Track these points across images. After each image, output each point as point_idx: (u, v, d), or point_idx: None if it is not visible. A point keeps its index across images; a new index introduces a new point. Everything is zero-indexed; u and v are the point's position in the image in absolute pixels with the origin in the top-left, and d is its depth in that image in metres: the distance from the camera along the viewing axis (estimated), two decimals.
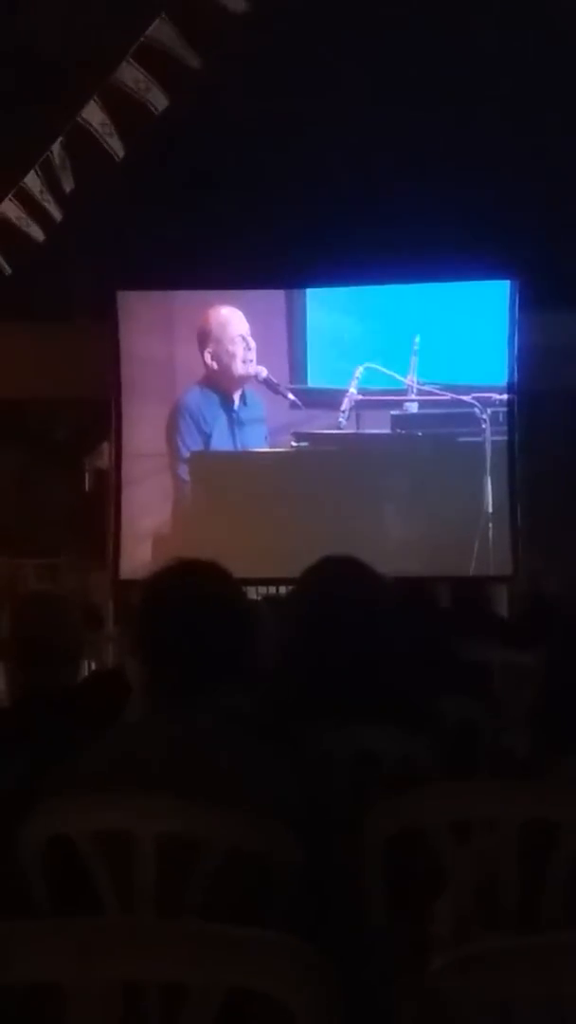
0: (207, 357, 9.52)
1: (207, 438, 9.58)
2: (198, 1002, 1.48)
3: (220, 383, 9.53)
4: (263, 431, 9.57)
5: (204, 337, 9.55)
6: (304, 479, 9.53)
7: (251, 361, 9.42)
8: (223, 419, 9.53)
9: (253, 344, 9.43)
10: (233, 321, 9.50)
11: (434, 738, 2.82)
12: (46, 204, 8.17)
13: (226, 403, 9.53)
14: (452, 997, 1.40)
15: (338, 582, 2.96)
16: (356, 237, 9.58)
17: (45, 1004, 1.50)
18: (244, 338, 9.43)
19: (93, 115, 7.90)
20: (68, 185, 8.05)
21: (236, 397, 9.51)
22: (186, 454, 9.59)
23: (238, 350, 9.44)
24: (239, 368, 9.44)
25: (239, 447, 9.58)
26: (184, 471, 9.64)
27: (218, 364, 9.49)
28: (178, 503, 9.75)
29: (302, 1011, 1.45)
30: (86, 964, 1.48)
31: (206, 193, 9.93)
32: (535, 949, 1.48)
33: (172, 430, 9.63)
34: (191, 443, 9.59)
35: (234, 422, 9.53)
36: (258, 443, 9.61)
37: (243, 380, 9.47)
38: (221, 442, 9.59)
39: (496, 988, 1.41)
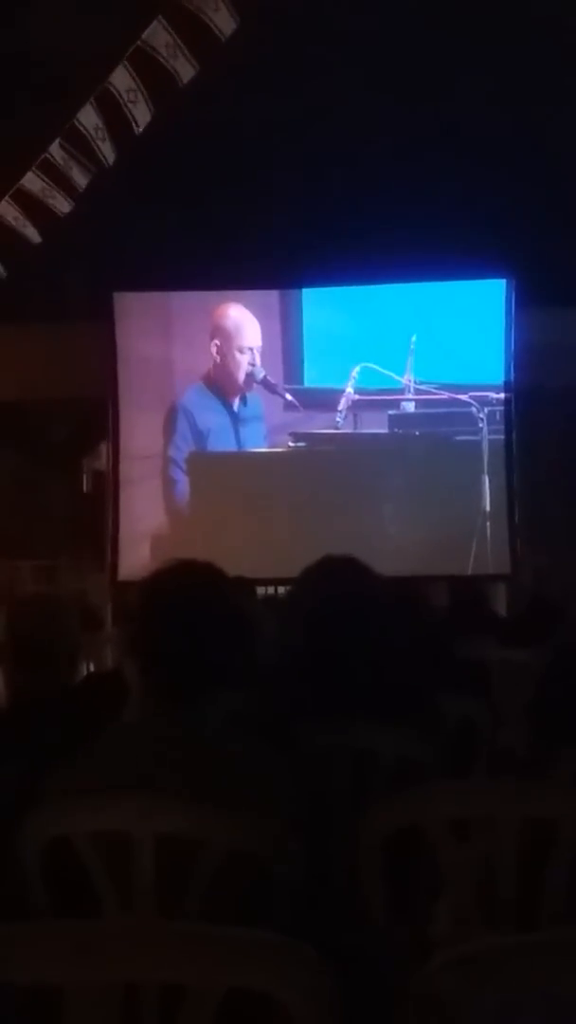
0: (213, 350, 9.53)
1: (203, 439, 9.58)
2: (196, 1003, 1.47)
3: (221, 383, 9.54)
4: (263, 429, 9.57)
5: (216, 332, 9.56)
6: (302, 479, 9.54)
7: (255, 369, 9.43)
8: (224, 418, 9.54)
9: (259, 358, 9.45)
10: (247, 329, 9.51)
11: (433, 737, 2.82)
12: (44, 205, 8.16)
13: (226, 403, 9.54)
14: (450, 996, 1.40)
15: (337, 582, 2.96)
16: (352, 237, 9.57)
17: (44, 1005, 1.50)
18: (253, 351, 9.45)
19: (88, 119, 7.89)
20: (66, 187, 8.05)
21: (236, 399, 9.53)
22: (182, 455, 9.59)
23: (243, 360, 9.46)
24: (240, 376, 9.47)
25: (240, 446, 9.58)
26: (181, 472, 9.64)
27: (221, 362, 9.51)
28: (176, 504, 9.75)
29: (300, 1012, 1.44)
30: (85, 965, 1.48)
31: (202, 194, 9.93)
32: (533, 947, 1.48)
33: (168, 429, 9.63)
34: (186, 445, 9.59)
35: (235, 419, 9.54)
36: (258, 441, 9.61)
37: (241, 387, 9.49)
38: (221, 442, 9.59)
39: (494, 986, 1.40)
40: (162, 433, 9.67)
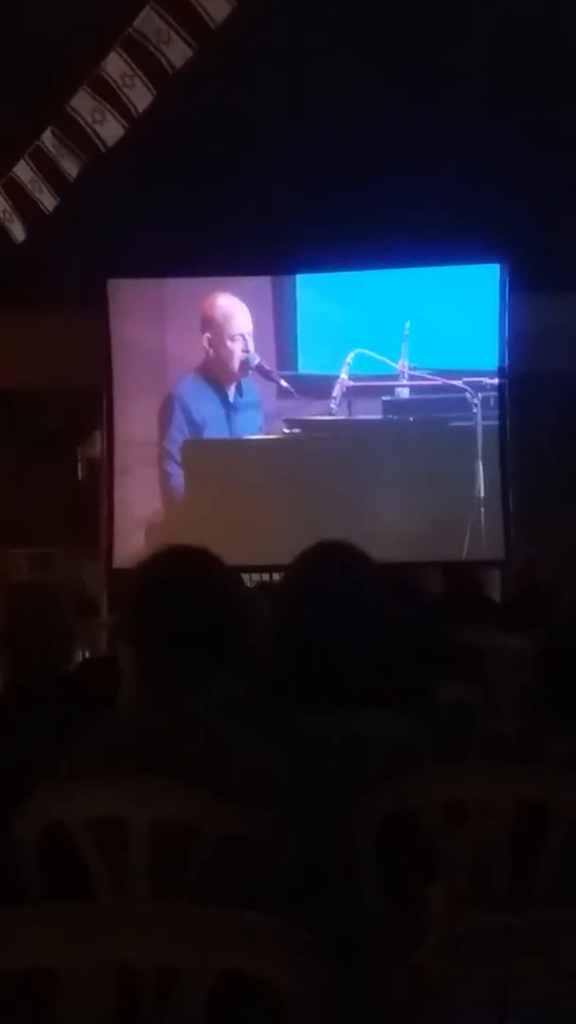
0: (204, 342, 9.53)
1: (198, 429, 9.58)
2: (189, 985, 1.48)
3: (215, 373, 9.53)
4: (258, 417, 9.56)
5: (206, 323, 9.55)
6: (296, 466, 9.53)
7: (248, 356, 9.42)
8: (218, 407, 9.53)
9: (251, 343, 9.43)
10: (236, 317, 9.50)
11: (427, 722, 2.82)
12: (40, 189, 8.13)
13: (221, 392, 9.53)
14: (444, 976, 1.40)
15: (331, 567, 2.96)
16: (345, 222, 9.55)
17: (38, 988, 1.51)
18: (244, 337, 9.44)
19: (83, 105, 7.85)
20: (59, 174, 8.02)
21: (231, 388, 9.52)
22: (178, 447, 9.59)
23: (236, 348, 9.45)
24: (234, 364, 9.46)
25: (234, 434, 9.57)
26: (176, 465, 9.64)
27: (214, 353, 9.50)
28: (171, 491, 9.74)
29: (294, 994, 1.45)
30: (78, 948, 1.48)
31: (196, 180, 9.91)
32: (526, 927, 1.49)
33: (164, 420, 9.62)
34: (181, 436, 9.59)
35: (230, 408, 9.53)
36: (253, 429, 9.60)
37: (235, 375, 9.48)
38: (215, 430, 9.58)
39: (487, 966, 1.41)
40: (157, 425, 9.66)
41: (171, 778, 2.13)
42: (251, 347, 9.43)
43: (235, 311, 9.53)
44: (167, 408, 9.60)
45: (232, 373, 9.48)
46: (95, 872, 2.09)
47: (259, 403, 9.53)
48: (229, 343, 9.47)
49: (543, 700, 2.61)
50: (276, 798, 2.12)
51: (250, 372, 9.47)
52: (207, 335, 9.53)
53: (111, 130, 7.84)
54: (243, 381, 9.50)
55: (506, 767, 2.42)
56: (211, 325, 9.54)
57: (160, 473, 9.67)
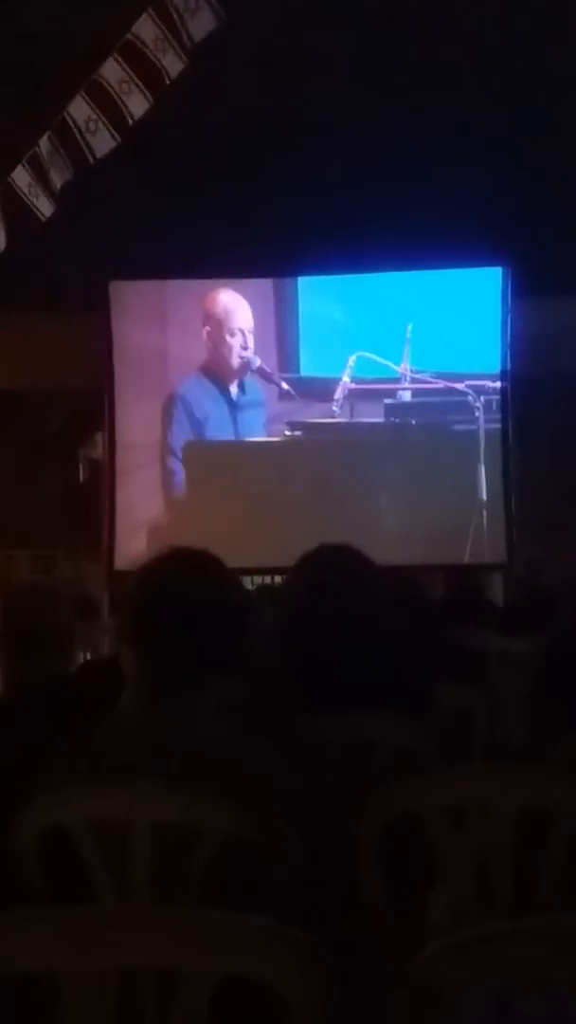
0: (205, 336, 9.55)
1: (200, 427, 9.58)
2: (191, 989, 1.47)
3: (217, 371, 9.54)
4: (262, 417, 9.57)
5: (207, 318, 9.58)
6: (298, 468, 9.53)
7: (247, 353, 9.43)
8: (222, 407, 9.54)
9: (251, 340, 9.44)
10: (236, 312, 9.51)
11: (430, 725, 2.82)
12: (37, 195, 8.11)
13: (224, 391, 9.53)
14: (447, 982, 1.40)
15: (333, 570, 2.96)
16: (348, 225, 9.57)
17: (41, 992, 1.50)
18: (243, 332, 9.45)
19: (79, 111, 7.83)
20: (59, 177, 8.00)
21: (234, 386, 9.53)
22: (179, 443, 9.59)
23: (235, 343, 9.46)
24: (234, 360, 9.46)
25: (238, 434, 9.58)
26: (179, 462, 9.64)
27: (215, 348, 9.51)
28: (172, 493, 9.75)
29: (297, 999, 1.44)
30: (81, 952, 1.47)
31: (198, 182, 9.92)
32: (529, 933, 1.48)
33: (166, 419, 9.63)
34: (183, 433, 9.59)
35: (234, 406, 9.53)
36: (257, 429, 9.61)
37: (239, 371, 9.49)
38: (219, 430, 9.59)
39: (490, 971, 1.40)
40: (160, 423, 9.67)
41: (172, 780, 2.12)
42: (251, 343, 9.44)
43: (235, 307, 9.54)
44: (170, 405, 9.61)
45: (233, 370, 9.49)
46: (96, 875, 2.08)
47: (263, 401, 9.54)
48: (228, 338, 9.48)
49: (546, 704, 2.61)
50: (278, 801, 2.11)
51: (251, 373, 9.48)
52: (207, 329, 9.55)
53: (103, 141, 7.82)
54: (246, 379, 9.51)
55: (509, 771, 2.42)
56: (211, 320, 9.56)
57: (162, 471, 9.68)
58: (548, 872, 2.20)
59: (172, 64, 7.48)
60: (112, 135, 7.73)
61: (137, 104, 7.65)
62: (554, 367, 9.83)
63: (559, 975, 1.43)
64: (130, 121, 7.67)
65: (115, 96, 7.61)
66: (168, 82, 7.49)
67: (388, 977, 1.96)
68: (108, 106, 7.67)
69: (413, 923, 2.32)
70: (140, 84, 7.55)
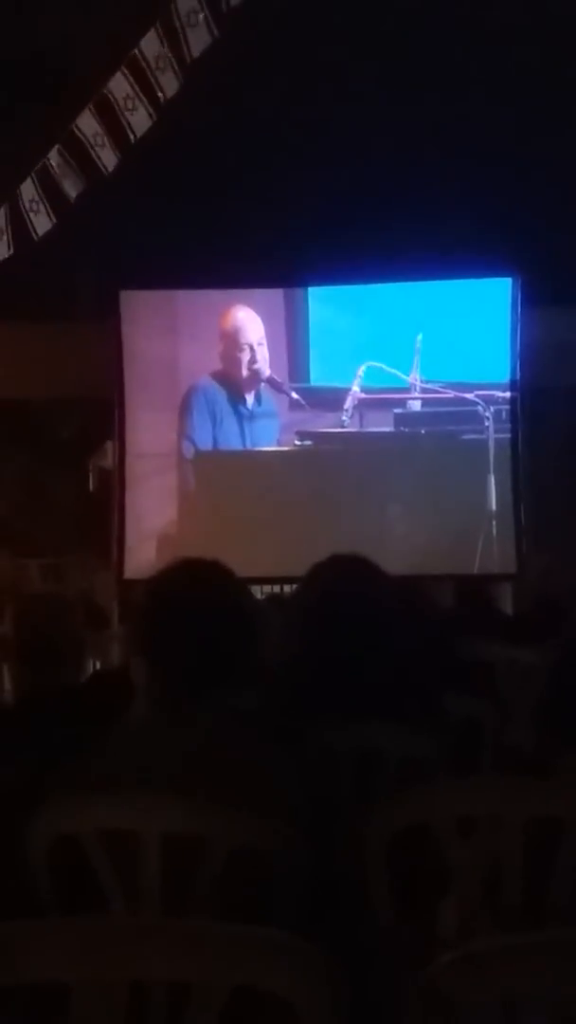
0: (219, 351, 9.59)
1: (218, 425, 9.58)
2: (202, 1001, 1.47)
3: (229, 383, 9.57)
4: (275, 427, 9.58)
5: (220, 336, 9.62)
6: (308, 478, 9.54)
7: (257, 366, 9.44)
8: (235, 415, 9.56)
9: (263, 353, 9.46)
10: (246, 328, 9.54)
11: (439, 736, 2.82)
12: (49, 205, 8.13)
13: (235, 400, 9.55)
14: (457, 994, 1.40)
15: (343, 580, 2.96)
16: (357, 235, 9.57)
17: (51, 1003, 1.50)
18: (252, 347, 9.47)
19: (87, 125, 7.84)
20: (71, 187, 8.01)
21: (250, 396, 9.55)
22: (194, 443, 9.60)
23: (244, 357, 9.49)
24: (244, 373, 9.49)
25: (249, 444, 9.59)
26: (189, 470, 9.66)
27: (226, 364, 9.55)
28: (182, 502, 9.76)
29: (307, 1010, 1.44)
30: (91, 963, 1.48)
31: (208, 193, 9.93)
32: (540, 946, 1.48)
33: (184, 412, 9.63)
34: (201, 427, 9.59)
35: (244, 418, 9.55)
36: (270, 440, 9.62)
37: (249, 384, 9.51)
38: (230, 439, 9.60)
39: (501, 985, 1.40)
40: (177, 422, 9.67)
41: (183, 790, 2.12)
42: (259, 358, 9.45)
43: (244, 323, 9.56)
44: (190, 396, 9.62)
45: (244, 383, 9.51)
46: (107, 885, 2.08)
47: (276, 413, 9.55)
48: (238, 353, 9.52)
49: (555, 714, 2.61)
50: (288, 811, 2.11)
51: (263, 384, 9.49)
52: (220, 348, 9.60)
53: (108, 156, 7.84)
54: (262, 391, 9.53)
55: (518, 781, 2.41)
56: (224, 337, 9.59)
57: (176, 478, 9.69)
58: (558, 883, 2.20)
59: (168, 84, 7.49)
60: (114, 152, 7.75)
61: (140, 121, 7.65)
62: (564, 377, 9.83)
63: (569, 989, 1.42)
64: (132, 139, 7.68)
65: (119, 112, 7.62)
66: (163, 101, 7.50)
67: (398, 988, 1.96)
68: (113, 123, 7.69)
69: (423, 934, 2.31)
70: (144, 101, 7.56)
